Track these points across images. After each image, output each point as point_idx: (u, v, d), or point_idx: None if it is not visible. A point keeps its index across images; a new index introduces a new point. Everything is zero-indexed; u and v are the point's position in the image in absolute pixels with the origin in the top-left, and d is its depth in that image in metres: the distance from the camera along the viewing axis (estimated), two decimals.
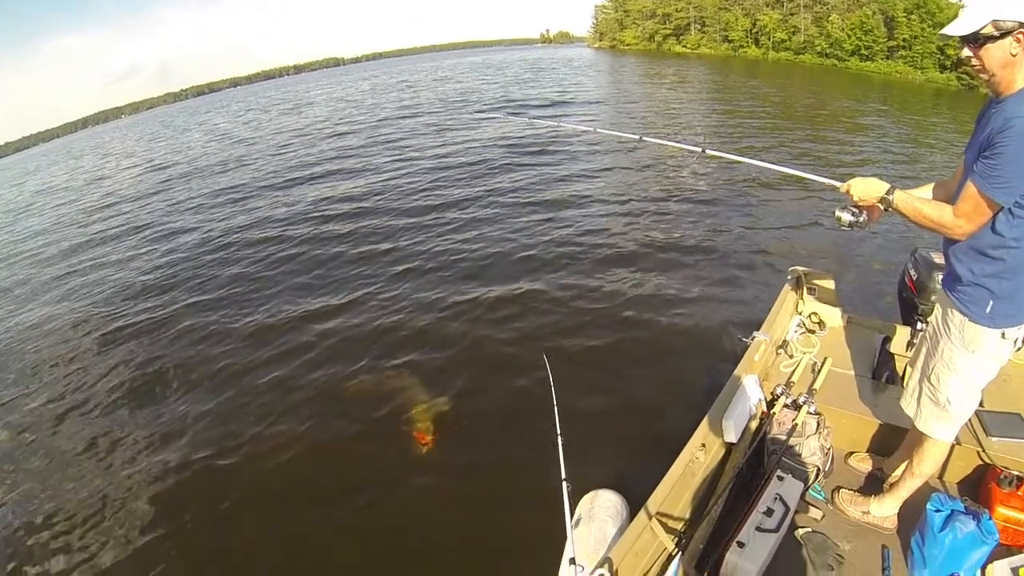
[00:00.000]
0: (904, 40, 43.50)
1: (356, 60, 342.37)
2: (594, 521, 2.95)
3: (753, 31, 60.70)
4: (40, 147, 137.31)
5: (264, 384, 6.50)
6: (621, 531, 2.87)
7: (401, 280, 8.60)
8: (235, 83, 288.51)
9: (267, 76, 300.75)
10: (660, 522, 2.67)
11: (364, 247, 10.08)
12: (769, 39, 57.57)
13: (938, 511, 2.58)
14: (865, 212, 2.69)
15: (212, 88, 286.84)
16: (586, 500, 3.16)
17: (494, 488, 4.66)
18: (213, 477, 5.27)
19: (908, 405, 2.85)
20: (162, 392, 6.68)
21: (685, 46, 70.10)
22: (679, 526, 2.75)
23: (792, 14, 55.93)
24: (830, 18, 49.85)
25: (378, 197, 13.07)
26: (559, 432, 3.07)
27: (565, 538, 2.48)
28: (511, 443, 5.05)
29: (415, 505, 4.64)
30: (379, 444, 5.34)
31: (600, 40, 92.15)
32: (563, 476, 2.66)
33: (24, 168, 53.41)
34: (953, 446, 3.00)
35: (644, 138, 4.87)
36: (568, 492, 2.55)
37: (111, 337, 8.51)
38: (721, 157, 3.95)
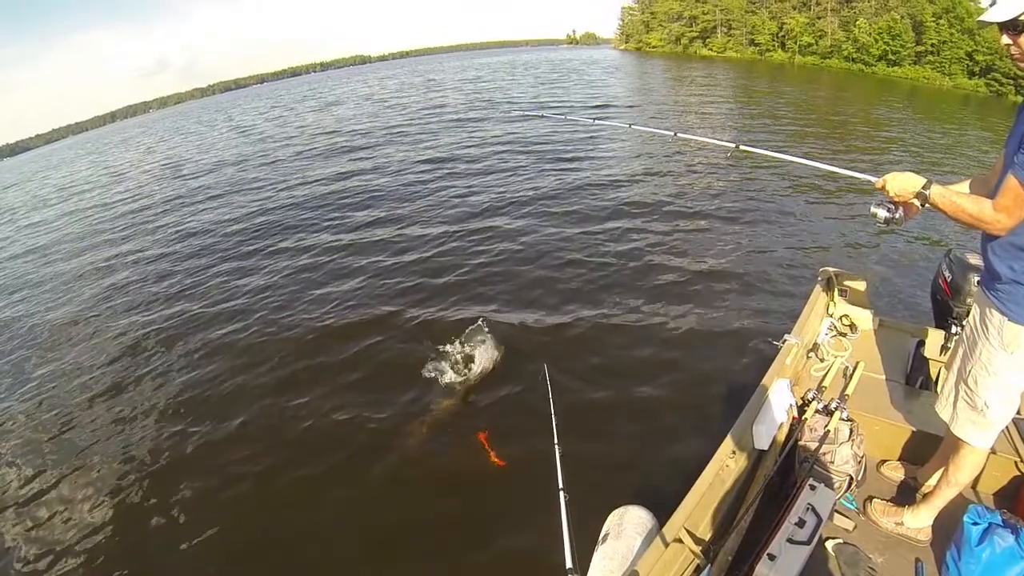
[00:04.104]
0: (932, 45, 43.31)
1: (383, 58, 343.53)
2: (623, 538, 2.86)
3: (780, 35, 60.39)
4: (69, 139, 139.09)
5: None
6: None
7: (421, 285, 8.49)
8: (262, 79, 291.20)
9: (294, 73, 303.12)
10: (688, 532, 2.59)
11: (387, 254, 9.94)
12: (796, 43, 57.31)
13: (975, 524, 2.47)
14: (901, 208, 2.62)
15: (239, 84, 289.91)
16: (615, 516, 3.07)
17: (498, 497, 4.63)
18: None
19: (943, 409, 2.76)
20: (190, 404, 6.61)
21: (711, 49, 69.97)
22: (708, 536, 2.66)
23: (819, 18, 55.66)
24: (857, 22, 49.52)
25: (407, 203, 12.90)
26: (556, 442, 3.06)
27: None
28: (518, 449, 4.98)
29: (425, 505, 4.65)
30: (390, 448, 5.34)
31: (626, 42, 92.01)
32: (560, 486, 2.62)
33: (48, 162, 54.18)
34: (989, 455, 2.90)
35: (678, 134, 4.85)
36: (565, 501, 2.50)
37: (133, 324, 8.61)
38: (755, 153, 3.89)
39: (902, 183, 2.46)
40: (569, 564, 2.17)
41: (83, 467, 5.80)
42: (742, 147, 4.01)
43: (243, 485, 5.13)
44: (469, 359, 6.25)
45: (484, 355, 6.29)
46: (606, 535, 2.95)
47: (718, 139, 4.55)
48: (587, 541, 2.91)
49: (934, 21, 43.28)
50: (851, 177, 2.97)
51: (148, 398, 6.81)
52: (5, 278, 13.48)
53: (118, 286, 10.85)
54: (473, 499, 4.66)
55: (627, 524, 2.96)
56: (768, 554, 2.49)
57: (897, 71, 45.31)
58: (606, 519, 3.09)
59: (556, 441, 3.08)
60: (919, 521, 2.90)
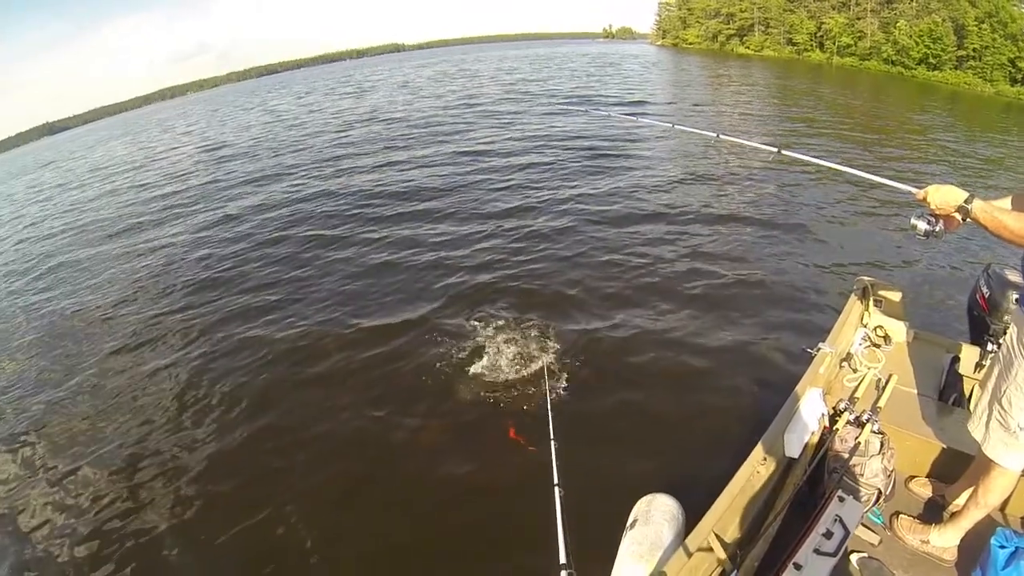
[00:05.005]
0: (974, 50, 42.29)
1: (418, 47, 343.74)
2: (650, 524, 2.93)
3: (818, 35, 59.49)
4: (106, 120, 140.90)
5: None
6: (677, 536, 2.87)
7: (455, 284, 8.44)
8: (298, 65, 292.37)
9: (330, 59, 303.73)
10: (717, 537, 2.61)
11: (422, 248, 9.94)
12: (834, 43, 56.33)
13: (1003, 547, 2.44)
14: (942, 221, 2.61)
15: (275, 69, 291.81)
16: (643, 503, 3.13)
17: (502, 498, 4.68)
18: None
19: (976, 429, 2.73)
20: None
21: (748, 47, 69.01)
22: (735, 542, 2.68)
23: (859, 18, 54.66)
24: (898, 24, 48.54)
25: (443, 195, 12.87)
26: (552, 438, 3.14)
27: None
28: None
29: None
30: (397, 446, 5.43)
31: (663, 38, 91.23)
32: (555, 481, 2.68)
33: (85, 142, 55.10)
34: (1020, 478, 2.88)
35: (721, 136, 4.85)
36: (560, 496, 2.55)
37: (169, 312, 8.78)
38: (795, 159, 3.87)
39: (944, 196, 2.45)
40: (563, 560, 2.21)
41: (100, 456, 5.89)
42: (784, 152, 4.00)
43: (263, 483, 5.19)
44: (497, 358, 6.30)
45: (513, 354, 6.33)
46: (634, 521, 3.02)
47: (760, 143, 4.51)
48: (597, 542, 2.97)
49: (976, 25, 42.23)
50: (892, 187, 2.95)
51: (174, 387, 6.88)
52: (39, 259, 13.75)
53: (150, 269, 11.08)
54: (483, 504, 4.68)
55: (655, 511, 3.02)
56: (794, 563, 2.50)
57: (937, 75, 44.31)
58: (633, 506, 3.16)
59: (552, 437, 3.15)
60: (945, 540, 2.89)
